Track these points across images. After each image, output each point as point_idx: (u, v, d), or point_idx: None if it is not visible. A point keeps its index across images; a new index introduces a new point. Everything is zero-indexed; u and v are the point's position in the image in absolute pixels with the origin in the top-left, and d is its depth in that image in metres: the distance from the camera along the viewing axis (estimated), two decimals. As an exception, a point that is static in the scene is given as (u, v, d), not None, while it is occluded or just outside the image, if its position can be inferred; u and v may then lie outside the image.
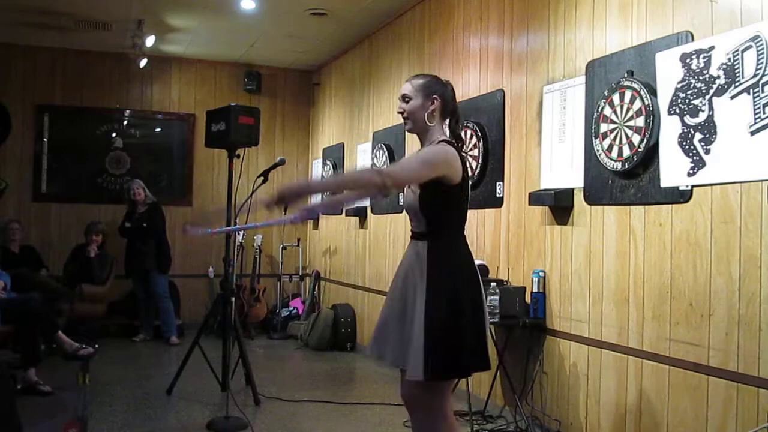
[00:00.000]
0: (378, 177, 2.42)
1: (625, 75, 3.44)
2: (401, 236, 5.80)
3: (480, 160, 4.65)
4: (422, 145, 2.72)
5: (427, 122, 2.64)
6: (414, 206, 2.61)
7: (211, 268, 7.77)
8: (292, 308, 7.83)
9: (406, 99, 2.67)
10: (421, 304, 2.50)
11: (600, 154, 3.58)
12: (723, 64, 2.90)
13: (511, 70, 4.48)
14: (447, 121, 2.72)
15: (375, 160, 6.36)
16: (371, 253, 6.52)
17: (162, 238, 6.99)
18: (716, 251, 2.96)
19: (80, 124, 7.63)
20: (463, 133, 4.61)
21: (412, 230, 2.70)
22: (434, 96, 2.65)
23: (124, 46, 6.90)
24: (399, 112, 2.69)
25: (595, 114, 3.63)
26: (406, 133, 6.05)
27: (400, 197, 5.30)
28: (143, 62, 7.03)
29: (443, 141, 2.62)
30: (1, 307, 4.85)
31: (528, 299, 4.10)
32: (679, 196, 3.14)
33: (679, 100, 3.11)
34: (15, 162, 7.32)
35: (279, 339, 7.38)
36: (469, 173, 2.73)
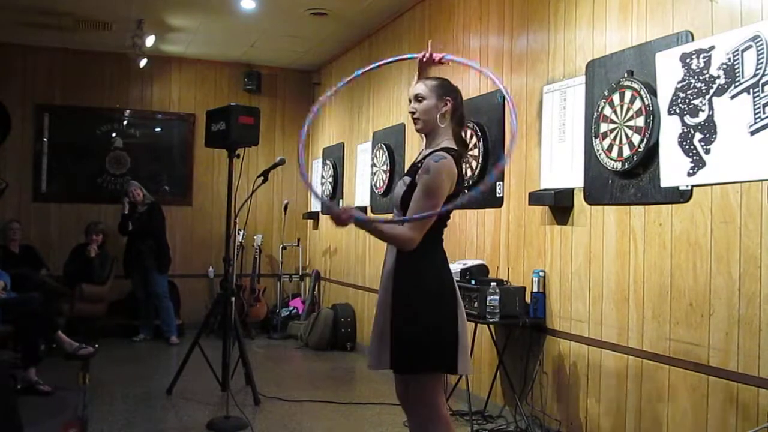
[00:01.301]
0: (410, 241, 2.47)
1: (625, 75, 3.44)
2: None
3: (480, 159, 4.64)
4: (427, 145, 2.70)
5: (439, 123, 2.64)
6: (397, 198, 2.61)
7: (211, 268, 7.77)
8: (292, 308, 7.83)
9: (420, 98, 2.65)
10: (390, 300, 2.58)
11: (600, 154, 3.58)
12: (723, 63, 2.90)
13: (511, 69, 4.48)
14: (452, 126, 2.70)
15: (375, 160, 6.36)
16: (371, 252, 6.51)
17: (161, 238, 7.00)
18: (716, 251, 2.96)
19: (80, 123, 7.63)
20: (463, 134, 4.59)
21: None
22: (447, 98, 2.64)
23: (124, 46, 6.89)
24: (411, 112, 2.67)
25: (595, 114, 3.63)
26: (406, 133, 6.04)
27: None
28: (143, 62, 7.03)
29: (444, 149, 2.58)
30: (2, 307, 4.85)
31: (528, 299, 4.10)
32: (679, 196, 3.14)
33: (679, 100, 3.11)
34: (15, 162, 7.32)
35: (279, 339, 7.38)
36: (464, 180, 2.71)
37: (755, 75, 2.75)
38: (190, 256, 7.83)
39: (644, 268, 3.35)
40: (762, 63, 2.72)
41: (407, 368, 2.58)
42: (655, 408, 3.24)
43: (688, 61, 3.07)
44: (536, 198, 4.02)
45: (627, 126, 3.41)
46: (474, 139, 4.70)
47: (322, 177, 7.81)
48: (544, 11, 4.14)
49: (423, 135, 2.72)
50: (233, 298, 4.82)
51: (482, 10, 4.83)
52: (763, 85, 2.72)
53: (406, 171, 2.72)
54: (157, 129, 8.09)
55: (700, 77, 3.01)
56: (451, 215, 2.71)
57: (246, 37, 7.06)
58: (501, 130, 4.52)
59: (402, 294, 2.56)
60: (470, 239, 4.78)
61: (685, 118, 3.08)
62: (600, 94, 3.61)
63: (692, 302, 3.06)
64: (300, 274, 8.29)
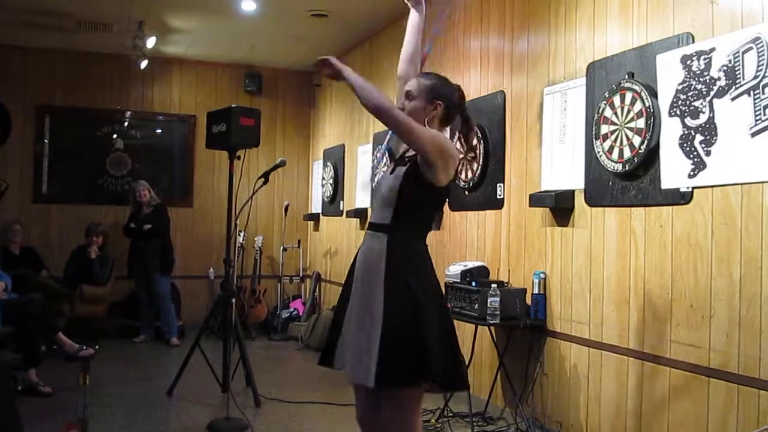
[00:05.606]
0: (393, 110, 2.33)
1: (626, 76, 3.44)
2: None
3: (480, 161, 4.64)
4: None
5: (427, 125, 2.44)
6: (391, 192, 2.41)
7: (211, 269, 7.78)
8: (292, 309, 7.83)
9: (410, 96, 2.49)
10: (380, 305, 2.34)
11: (600, 156, 3.58)
12: (724, 65, 2.90)
13: (512, 71, 4.48)
14: (448, 129, 2.56)
15: (375, 162, 6.36)
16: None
17: (166, 240, 7.00)
18: (717, 253, 2.96)
19: (81, 125, 7.63)
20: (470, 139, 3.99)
21: (372, 221, 2.49)
22: (438, 101, 2.48)
23: (125, 47, 6.90)
24: (400, 108, 2.45)
25: (595, 115, 3.63)
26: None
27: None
28: (144, 63, 7.04)
29: None
30: (2, 308, 4.85)
31: (528, 301, 4.09)
32: (680, 197, 3.14)
33: (680, 102, 3.11)
34: (16, 163, 7.32)
35: (279, 340, 7.38)
36: (457, 180, 2.56)
37: (756, 77, 2.75)
38: (191, 257, 7.82)
39: (645, 270, 3.35)
40: (762, 65, 2.72)
41: (391, 382, 2.31)
42: (656, 410, 3.24)
43: (688, 62, 3.07)
44: (537, 200, 4.02)
45: (627, 128, 3.41)
46: (474, 141, 4.70)
47: (323, 178, 7.81)
48: (545, 13, 4.15)
49: None
50: (234, 300, 4.82)
51: (483, 12, 4.83)
52: (764, 87, 2.72)
53: (391, 167, 2.54)
54: (158, 130, 8.09)
55: (701, 79, 3.01)
56: (447, 215, 2.65)
57: (247, 38, 7.07)
58: (502, 132, 4.52)
59: (399, 297, 2.32)
60: (471, 241, 4.77)
61: (685, 119, 3.08)
62: (600, 96, 3.61)
63: (693, 304, 3.06)
64: (300, 275, 8.28)
